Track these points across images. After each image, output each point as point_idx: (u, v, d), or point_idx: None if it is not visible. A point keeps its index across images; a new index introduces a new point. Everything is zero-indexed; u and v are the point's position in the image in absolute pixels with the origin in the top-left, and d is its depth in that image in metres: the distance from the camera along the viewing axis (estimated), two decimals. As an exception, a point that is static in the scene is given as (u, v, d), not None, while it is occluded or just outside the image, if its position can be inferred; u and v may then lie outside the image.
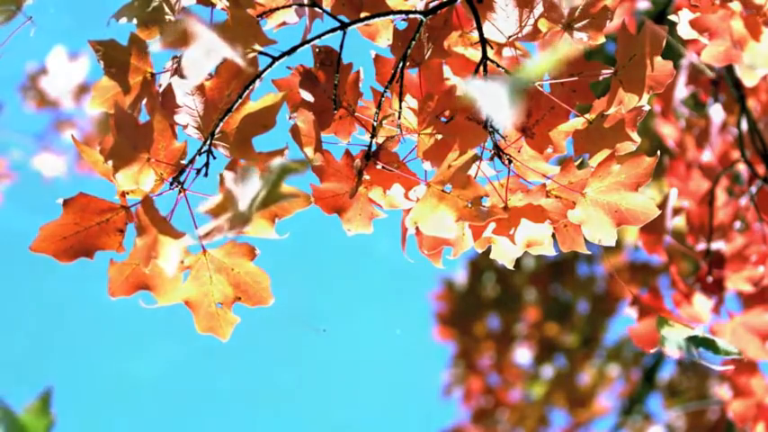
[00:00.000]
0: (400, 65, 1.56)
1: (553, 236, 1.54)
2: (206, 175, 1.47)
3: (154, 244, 1.37)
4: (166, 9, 1.53)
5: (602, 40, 1.55)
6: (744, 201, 2.50)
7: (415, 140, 1.54)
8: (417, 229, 1.50)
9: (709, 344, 1.64)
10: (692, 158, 2.70)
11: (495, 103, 1.10)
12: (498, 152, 1.54)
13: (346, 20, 1.57)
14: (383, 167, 1.53)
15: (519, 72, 1.24)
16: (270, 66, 1.50)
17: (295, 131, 1.52)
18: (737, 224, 2.46)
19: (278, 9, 1.63)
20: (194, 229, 1.43)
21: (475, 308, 5.57)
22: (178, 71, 1.49)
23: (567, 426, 5.64)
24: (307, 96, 1.56)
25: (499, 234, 1.52)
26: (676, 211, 2.53)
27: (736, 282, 2.35)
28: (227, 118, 1.47)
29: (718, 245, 2.40)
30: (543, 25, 1.55)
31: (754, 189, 2.46)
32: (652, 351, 1.97)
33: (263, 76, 1.49)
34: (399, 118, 1.55)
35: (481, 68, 1.55)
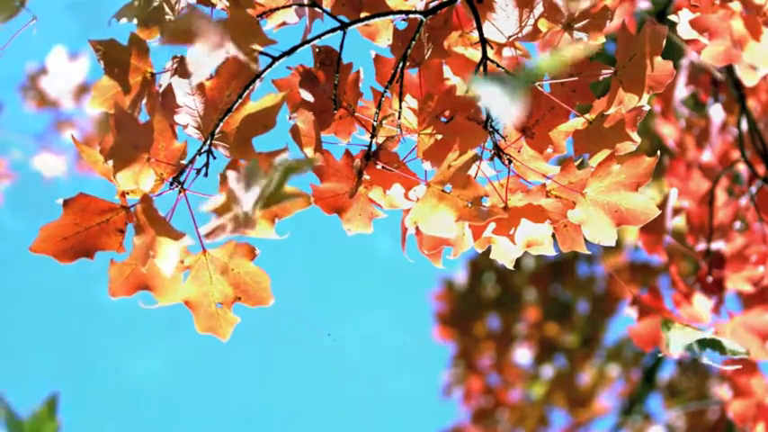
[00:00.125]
0: (400, 65, 1.56)
1: (553, 236, 1.54)
2: (206, 175, 1.47)
3: (152, 243, 1.37)
4: (166, 9, 1.53)
5: (602, 40, 1.55)
6: (744, 201, 2.50)
7: (415, 140, 1.54)
8: (417, 229, 1.50)
9: (715, 345, 1.64)
10: (692, 158, 2.70)
11: (499, 100, 1.10)
12: (498, 152, 1.54)
13: (346, 20, 1.56)
14: (383, 167, 1.53)
15: (524, 70, 1.24)
16: (270, 66, 1.50)
17: (295, 131, 1.52)
18: (737, 224, 2.46)
19: (278, 9, 1.63)
20: (194, 229, 1.43)
21: (475, 308, 5.57)
22: (178, 71, 1.49)
23: (566, 426, 5.64)
24: (307, 96, 1.56)
25: (499, 234, 1.52)
26: (676, 211, 2.53)
27: (736, 282, 2.35)
28: (227, 118, 1.47)
29: (718, 245, 2.40)
30: (543, 25, 1.55)
31: (754, 189, 2.46)
32: (652, 351, 1.97)
33: (263, 76, 1.49)
34: (399, 118, 1.55)
35: (481, 68, 1.55)
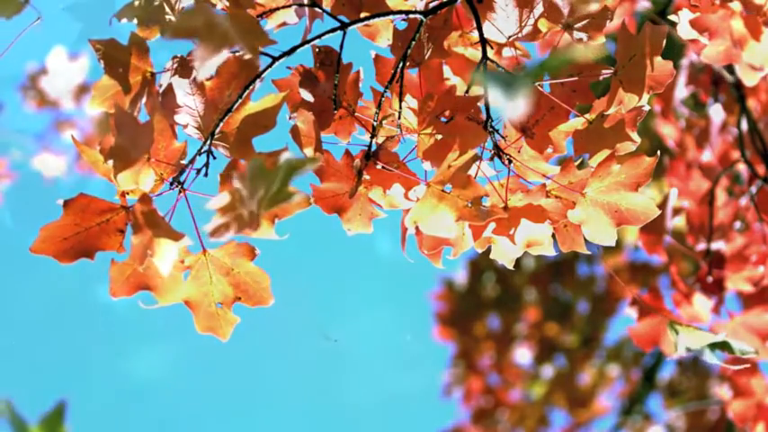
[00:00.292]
0: (400, 65, 1.56)
1: (553, 236, 1.54)
2: (206, 175, 1.47)
3: (150, 242, 1.37)
4: (167, 9, 1.53)
5: (602, 39, 1.55)
6: (744, 201, 2.50)
7: (415, 140, 1.54)
8: (417, 229, 1.50)
9: (724, 346, 1.63)
10: (692, 158, 2.70)
11: (504, 97, 1.10)
12: (498, 152, 1.54)
13: (346, 20, 1.57)
14: (383, 167, 1.53)
15: (529, 67, 1.24)
16: (270, 66, 1.50)
17: (295, 131, 1.52)
18: (737, 224, 2.46)
19: (278, 9, 1.63)
20: (194, 229, 1.43)
21: (475, 308, 5.57)
22: (178, 71, 1.49)
23: (566, 426, 5.64)
24: (307, 96, 1.56)
25: (499, 234, 1.52)
26: (676, 211, 2.53)
27: (736, 282, 2.35)
28: (227, 118, 1.47)
29: (718, 245, 2.40)
30: (543, 25, 1.55)
31: (754, 189, 2.46)
32: (651, 351, 1.97)
33: (263, 76, 1.50)
34: (399, 118, 1.55)
35: (481, 69, 1.55)
